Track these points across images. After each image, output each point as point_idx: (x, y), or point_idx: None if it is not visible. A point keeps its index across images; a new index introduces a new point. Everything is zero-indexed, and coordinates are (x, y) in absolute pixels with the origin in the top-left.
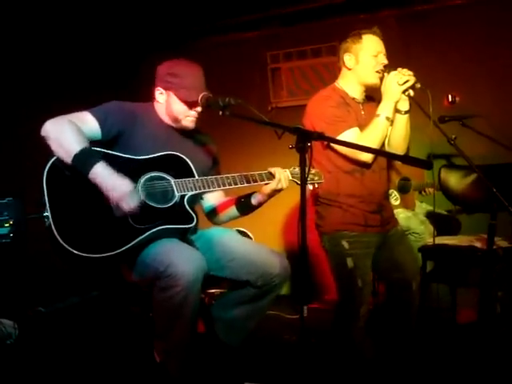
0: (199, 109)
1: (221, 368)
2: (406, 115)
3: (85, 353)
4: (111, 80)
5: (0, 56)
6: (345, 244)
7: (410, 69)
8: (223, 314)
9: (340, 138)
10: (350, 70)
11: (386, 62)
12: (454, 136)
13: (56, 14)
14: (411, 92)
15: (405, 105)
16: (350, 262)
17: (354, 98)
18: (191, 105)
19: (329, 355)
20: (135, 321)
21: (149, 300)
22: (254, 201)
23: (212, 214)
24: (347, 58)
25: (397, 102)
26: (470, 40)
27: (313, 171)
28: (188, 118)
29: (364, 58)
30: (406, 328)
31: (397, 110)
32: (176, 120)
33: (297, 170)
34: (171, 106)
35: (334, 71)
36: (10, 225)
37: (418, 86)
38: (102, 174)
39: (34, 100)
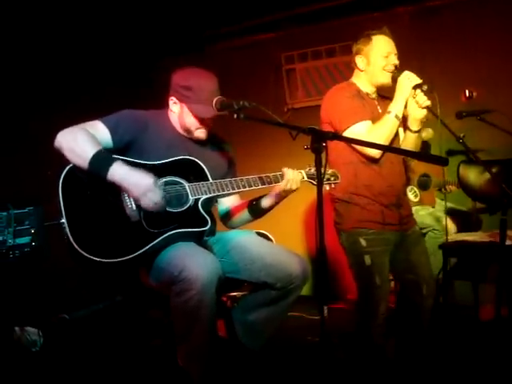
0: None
1: (243, 371)
2: (416, 134)
3: (109, 359)
4: (126, 85)
5: (14, 65)
6: (362, 241)
7: (425, 65)
8: (244, 316)
9: (351, 129)
10: (362, 71)
11: (396, 62)
12: (462, 134)
13: (68, 19)
14: (425, 87)
15: (415, 125)
16: (367, 260)
17: (368, 94)
18: (204, 119)
19: (351, 355)
20: (159, 325)
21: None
22: (263, 203)
23: (225, 217)
24: (359, 60)
25: (407, 99)
26: (485, 33)
27: (329, 171)
28: (200, 129)
29: (374, 59)
30: (417, 329)
31: (408, 128)
32: (188, 131)
33: (312, 170)
34: (184, 118)
35: (349, 70)
36: (32, 234)
37: (425, 88)
38: (121, 171)
39: (50, 108)
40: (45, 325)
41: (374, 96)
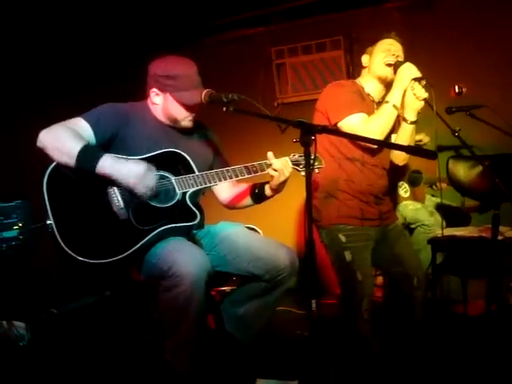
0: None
1: (233, 364)
2: (412, 126)
3: (97, 353)
4: (113, 80)
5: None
6: (342, 237)
7: (415, 60)
8: (234, 310)
9: (347, 119)
10: (365, 68)
11: (397, 54)
12: (458, 128)
13: (53, 13)
14: (423, 82)
15: (412, 115)
16: (348, 256)
17: (368, 94)
18: (191, 106)
19: (338, 350)
20: (148, 320)
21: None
22: (267, 193)
23: (229, 205)
24: (364, 58)
25: (405, 90)
26: (476, 28)
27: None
28: (187, 118)
29: (376, 53)
30: (410, 323)
31: (403, 119)
32: (175, 121)
33: (296, 156)
34: (169, 109)
35: (339, 65)
36: (19, 227)
37: (424, 83)
38: (111, 163)
39: (35, 101)
40: (33, 319)
41: (375, 99)
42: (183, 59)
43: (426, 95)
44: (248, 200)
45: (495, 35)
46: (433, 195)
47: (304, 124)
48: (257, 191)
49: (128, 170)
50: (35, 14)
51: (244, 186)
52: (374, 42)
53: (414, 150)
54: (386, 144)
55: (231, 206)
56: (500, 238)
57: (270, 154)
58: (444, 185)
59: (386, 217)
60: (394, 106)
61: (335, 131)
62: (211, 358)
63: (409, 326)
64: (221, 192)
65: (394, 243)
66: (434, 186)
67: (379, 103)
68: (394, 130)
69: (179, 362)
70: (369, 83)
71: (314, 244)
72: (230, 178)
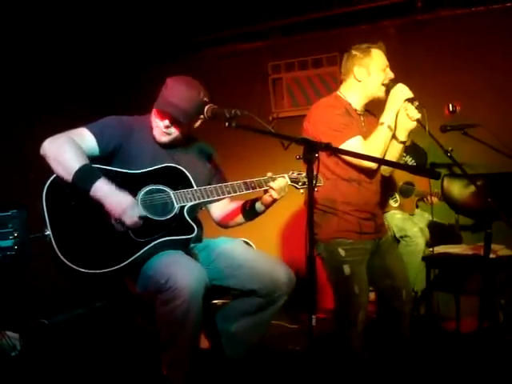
0: (166, 123)
1: (226, 380)
2: (401, 145)
3: (89, 364)
4: (112, 91)
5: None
6: (341, 251)
7: (410, 78)
8: (226, 325)
9: (345, 144)
10: (359, 81)
11: (392, 75)
12: (450, 148)
13: (56, 24)
14: (416, 102)
15: (403, 135)
16: (346, 269)
17: (355, 110)
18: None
19: (329, 363)
20: (141, 333)
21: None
22: (258, 209)
23: (222, 222)
24: (358, 71)
25: (398, 111)
26: (471, 49)
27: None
28: (157, 128)
29: (375, 72)
30: (398, 336)
31: (394, 137)
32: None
33: (295, 174)
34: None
35: (335, 81)
36: (15, 237)
37: (416, 103)
38: (103, 190)
39: (33, 110)
40: (23, 330)
41: (360, 112)
42: (189, 83)
43: (418, 116)
44: (240, 218)
45: (490, 55)
46: (425, 211)
47: (308, 141)
48: (247, 208)
49: (114, 200)
50: (39, 22)
51: (238, 204)
52: (364, 49)
53: (419, 170)
54: (391, 163)
55: (224, 223)
56: (493, 256)
57: (269, 174)
58: (435, 199)
59: (380, 229)
60: (389, 127)
61: (338, 149)
62: (205, 373)
63: (398, 340)
64: (215, 209)
65: (385, 256)
66: (425, 199)
67: (364, 115)
68: None
69: (175, 376)
70: (355, 96)
71: (314, 260)
72: (229, 193)
